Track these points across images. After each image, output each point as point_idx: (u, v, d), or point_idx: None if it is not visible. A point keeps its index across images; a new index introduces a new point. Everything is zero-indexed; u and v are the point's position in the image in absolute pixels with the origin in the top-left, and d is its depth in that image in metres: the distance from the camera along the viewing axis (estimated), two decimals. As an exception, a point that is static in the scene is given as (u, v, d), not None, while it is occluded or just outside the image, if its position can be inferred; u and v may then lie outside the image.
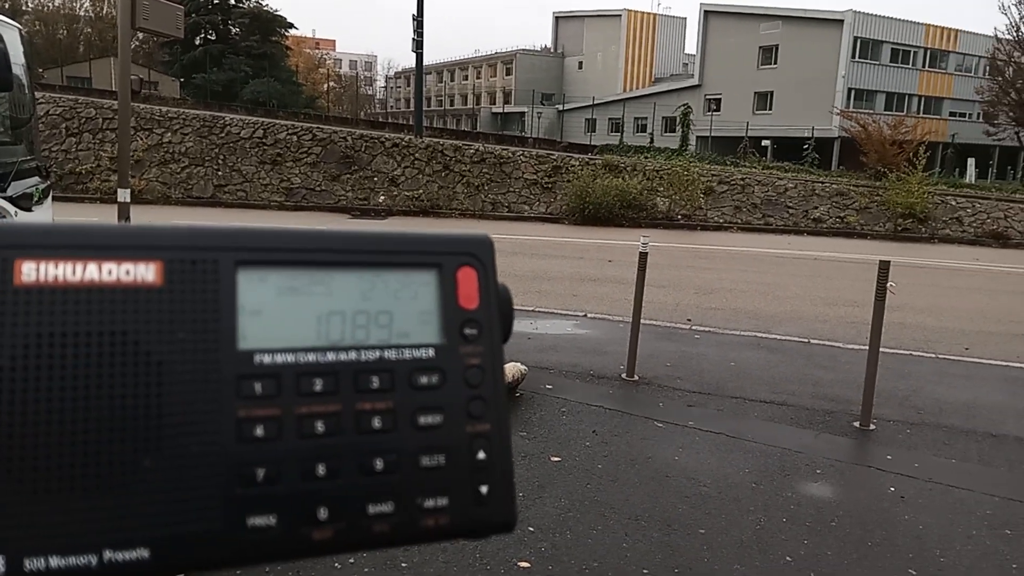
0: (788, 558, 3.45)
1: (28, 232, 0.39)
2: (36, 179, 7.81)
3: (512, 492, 0.47)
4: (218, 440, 0.40)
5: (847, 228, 21.18)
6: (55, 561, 0.36)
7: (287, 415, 0.41)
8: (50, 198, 8.13)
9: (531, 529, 3.56)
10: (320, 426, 0.42)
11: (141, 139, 20.33)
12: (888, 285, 5.13)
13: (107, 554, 0.37)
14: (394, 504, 0.43)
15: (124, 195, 6.49)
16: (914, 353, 7.52)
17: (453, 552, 3.30)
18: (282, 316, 0.43)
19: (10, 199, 6.87)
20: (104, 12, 49.37)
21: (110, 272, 0.39)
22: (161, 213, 17.83)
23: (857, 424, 5.26)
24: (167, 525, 0.38)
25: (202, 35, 42.59)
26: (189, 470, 0.39)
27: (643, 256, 6.03)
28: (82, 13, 51.52)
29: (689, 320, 8.60)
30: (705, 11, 49.48)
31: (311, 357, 0.43)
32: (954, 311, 10.23)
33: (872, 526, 3.83)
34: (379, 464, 0.43)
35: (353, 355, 0.44)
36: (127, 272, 0.39)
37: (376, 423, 0.43)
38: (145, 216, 13.58)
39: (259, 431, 0.41)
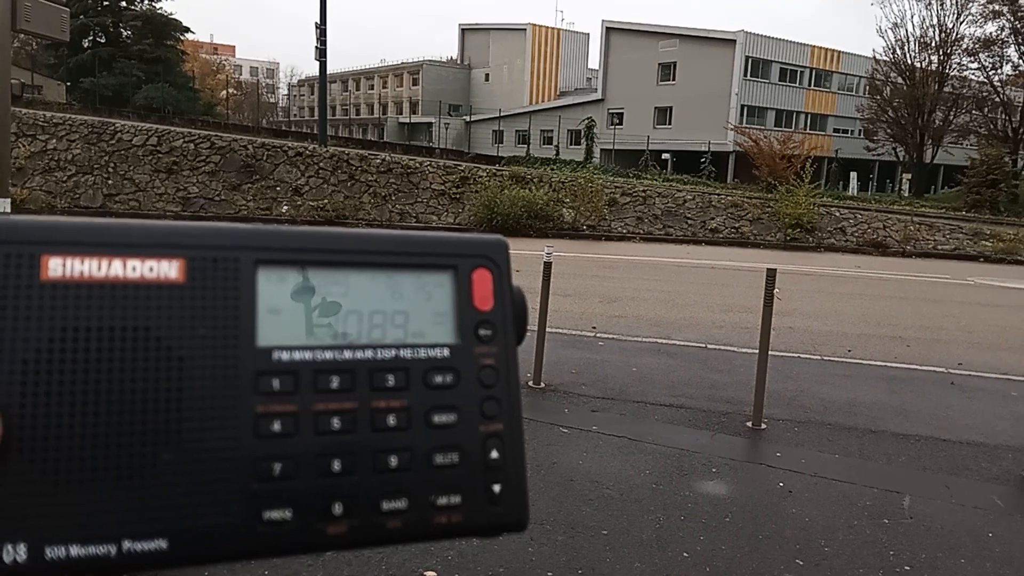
0: (685, 554, 3.59)
1: (55, 229, 0.39)
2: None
3: (525, 491, 0.47)
4: (236, 435, 0.40)
5: (741, 238, 22.15)
6: (75, 550, 0.37)
7: (304, 412, 0.42)
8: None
9: (438, 538, 3.57)
10: (336, 423, 0.42)
11: (23, 146, 19.15)
12: (774, 292, 5.42)
13: (126, 544, 0.38)
14: (408, 501, 0.43)
15: (3, 204, 6.12)
16: (801, 355, 7.95)
17: (359, 565, 3.27)
18: (300, 315, 0.43)
19: None
20: (-20, 10, 46.29)
21: (134, 269, 0.40)
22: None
23: (750, 424, 5.52)
24: (185, 517, 0.39)
25: (91, 37, 40.56)
26: (208, 464, 0.40)
27: (547, 265, 6.15)
28: (-45, 10, 48.15)
29: (594, 328, 8.80)
30: (607, 27, 50.84)
31: (328, 355, 0.43)
32: (838, 315, 10.86)
33: (763, 520, 4.03)
34: (393, 461, 0.43)
35: (369, 354, 0.44)
36: (150, 269, 0.40)
37: (391, 421, 0.44)
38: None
39: (276, 427, 0.41)
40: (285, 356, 0.43)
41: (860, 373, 7.38)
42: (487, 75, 65.23)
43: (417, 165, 21.92)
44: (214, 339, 0.41)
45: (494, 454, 0.46)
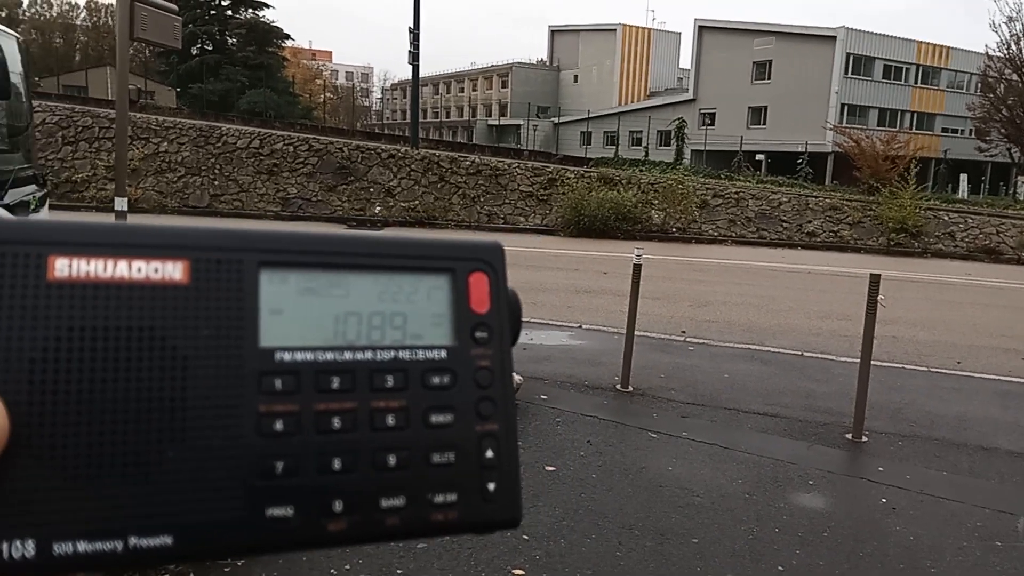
0: (780, 567, 3.47)
1: (62, 229, 0.40)
2: (33, 187, 7.83)
3: (518, 490, 0.48)
4: (239, 433, 0.41)
5: (840, 242, 21.30)
6: (83, 546, 0.38)
7: (305, 411, 0.43)
8: (47, 206, 8.14)
9: (525, 537, 3.58)
10: (336, 422, 0.43)
11: (138, 148, 20.35)
12: (879, 298, 5.18)
13: (132, 540, 0.38)
14: (405, 499, 0.44)
15: (121, 204, 6.50)
16: (906, 366, 7.56)
17: (448, 559, 3.31)
18: (302, 316, 0.44)
19: (7, 207, 6.89)
20: (100, 22, 49.45)
21: (139, 270, 0.40)
22: (157, 222, 17.79)
23: (849, 436, 5.30)
24: (190, 513, 0.40)
25: (199, 45, 42.67)
26: (211, 461, 0.40)
27: (637, 268, 6.08)
28: (79, 23, 51.59)
29: (683, 332, 8.63)
30: (699, 26, 49.85)
31: (329, 356, 0.44)
32: (946, 325, 10.29)
33: (864, 537, 3.86)
34: (392, 460, 0.44)
35: (369, 355, 0.45)
36: (155, 270, 0.41)
37: (390, 420, 0.45)
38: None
39: (279, 426, 0.42)
40: (287, 357, 0.43)
41: (970, 387, 6.97)
42: (576, 76, 65.06)
43: (505, 167, 22.07)
44: (218, 339, 0.42)
45: (489, 453, 0.47)
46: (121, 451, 0.39)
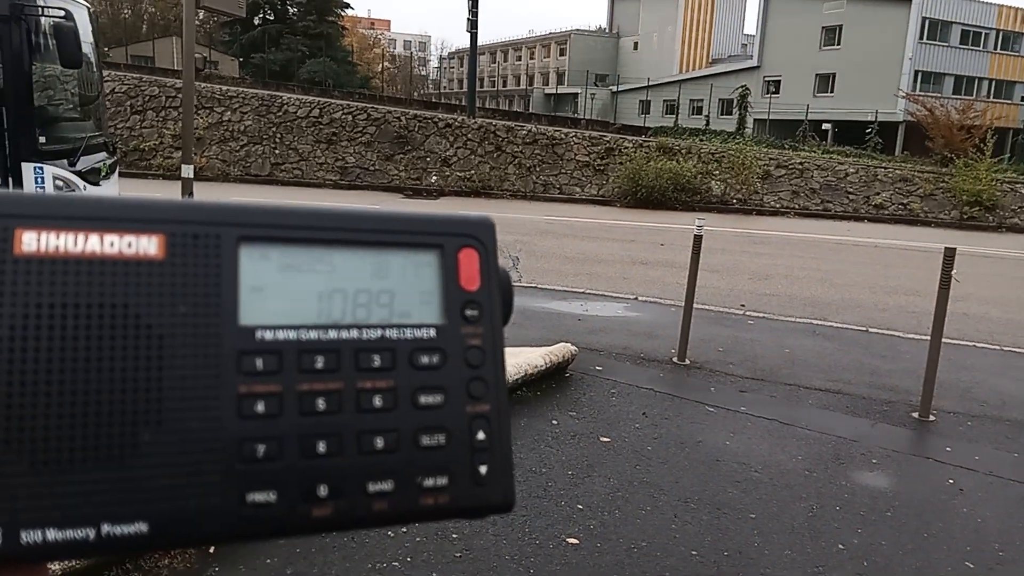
0: (840, 546, 3.41)
1: (29, 201, 0.38)
2: (103, 155, 8.08)
3: (511, 473, 0.46)
4: (219, 415, 0.40)
5: (910, 215, 20.54)
6: (52, 534, 0.36)
7: (288, 392, 0.41)
8: (116, 173, 8.39)
9: (580, 507, 3.58)
10: (321, 403, 0.42)
11: (202, 117, 20.79)
12: (952, 274, 4.98)
13: (105, 528, 0.37)
14: (394, 483, 0.43)
15: (188, 171, 6.67)
16: (978, 344, 7.28)
17: (503, 525, 3.34)
18: (284, 293, 0.43)
19: (79, 173, 7.14)
20: (167, -8, 50.41)
21: (112, 244, 0.39)
22: (221, 190, 18.26)
23: (916, 415, 5.14)
24: (166, 500, 0.38)
25: (261, 15, 43.18)
26: (189, 445, 0.39)
27: (698, 238, 5.96)
28: (146, -7, 52.72)
29: (743, 305, 8.47)
30: (766, -10, 48.17)
31: (313, 334, 0.43)
32: (1020, 303, 9.86)
33: (929, 517, 3.75)
34: (379, 443, 0.43)
35: (355, 333, 0.44)
36: (129, 244, 0.39)
37: (377, 402, 0.43)
38: (206, 192, 13.93)
39: (260, 407, 0.40)
40: (268, 335, 0.41)
41: (1047, 367, 6.68)
42: (636, 43, 63.75)
43: (562, 136, 21.86)
44: (195, 317, 0.40)
45: (481, 435, 0.45)
46: (93, 435, 0.37)
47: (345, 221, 0.45)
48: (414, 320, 0.45)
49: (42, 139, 6.81)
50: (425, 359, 0.45)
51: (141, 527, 0.38)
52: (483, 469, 0.45)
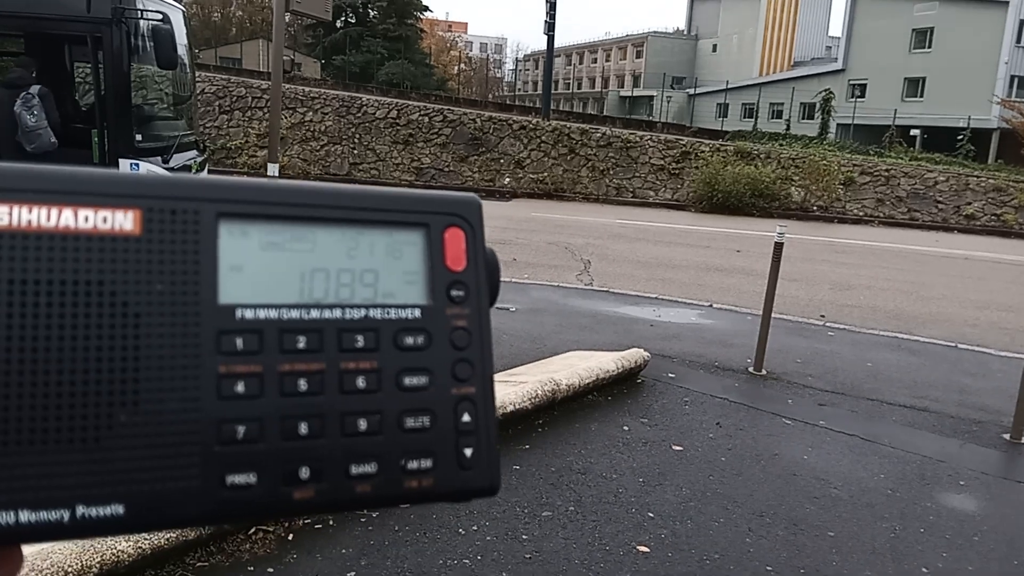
0: (924, 569, 3.27)
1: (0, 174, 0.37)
2: (194, 152, 8.43)
3: (496, 456, 0.45)
4: (197, 396, 0.39)
5: (1004, 227, 19.55)
6: (26, 516, 0.35)
7: (269, 372, 0.40)
8: (206, 171, 8.74)
9: (651, 515, 3.54)
10: (303, 384, 0.41)
11: (285, 117, 21.43)
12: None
13: (80, 509, 0.36)
14: (377, 465, 0.42)
15: (273, 169, 6.89)
16: (1078, 365, 6.88)
17: (573, 529, 3.33)
18: (264, 271, 0.42)
19: (171, 170, 7.46)
20: (255, -4, 52.14)
21: (86, 219, 0.38)
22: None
23: (1007, 436, 4.89)
24: (143, 481, 0.37)
25: (343, 18, 44.28)
26: (167, 426, 0.38)
27: (779, 246, 5.82)
28: (236, -3, 54.67)
29: (823, 316, 8.22)
30: (854, -9, 46.62)
31: (294, 314, 0.42)
32: None
33: (1020, 544, 3.56)
34: (362, 424, 0.42)
35: (337, 313, 0.43)
36: (104, 220, 0.38)
37: (360, 383, 0.42)
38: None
39: (240, 388, 0.40)
40: (249, 314, 0.41)
41: None
42: (715, 45, 62.61)
43: (637, 139, 21.64)
44: (173, 295, 0.39)
45: (466, 417, 0.44)
46: (68, 415, 0.36)
47: (328, 198, 0.44)
48: (399, 300, 0.45)
49: (138, 137, 7.15)
50: (410, 340, 0.44)
51: (117, 509, 0.37)
52: (468, 452, 0.44)
